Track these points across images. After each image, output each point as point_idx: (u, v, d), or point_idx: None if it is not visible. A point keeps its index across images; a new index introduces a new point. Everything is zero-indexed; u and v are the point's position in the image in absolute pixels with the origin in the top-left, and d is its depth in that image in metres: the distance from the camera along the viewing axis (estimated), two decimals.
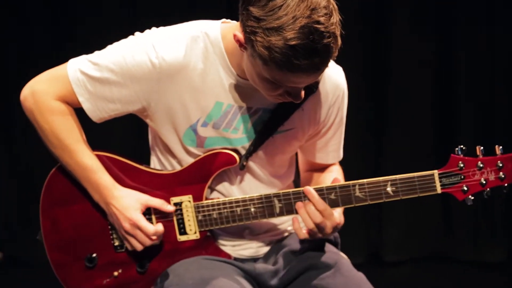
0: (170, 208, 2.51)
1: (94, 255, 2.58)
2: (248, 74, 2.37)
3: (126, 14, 4.77)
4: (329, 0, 2.21)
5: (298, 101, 2.36)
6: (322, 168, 2.71)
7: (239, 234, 2.62)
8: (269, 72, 2.25)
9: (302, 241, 2.59)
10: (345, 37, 2.25)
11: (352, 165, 2.91)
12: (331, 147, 2.65)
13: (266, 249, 2.66)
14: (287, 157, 2.64)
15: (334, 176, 2.58)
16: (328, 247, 2.61)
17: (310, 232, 2.42)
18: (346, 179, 2.57)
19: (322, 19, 2.17)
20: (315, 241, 2.59)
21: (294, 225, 2.43)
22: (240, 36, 2.28)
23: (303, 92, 2.34)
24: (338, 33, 2.21)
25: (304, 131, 2.57)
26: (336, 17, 2.21)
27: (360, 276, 2.52)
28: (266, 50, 2.19)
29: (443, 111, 4.87)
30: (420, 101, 4.86)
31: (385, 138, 4.91)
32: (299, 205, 2.42)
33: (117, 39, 2.51)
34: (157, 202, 2.51)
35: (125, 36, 2.51)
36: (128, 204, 2.48)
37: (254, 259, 2.64)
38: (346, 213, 2.51)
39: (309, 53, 2.17)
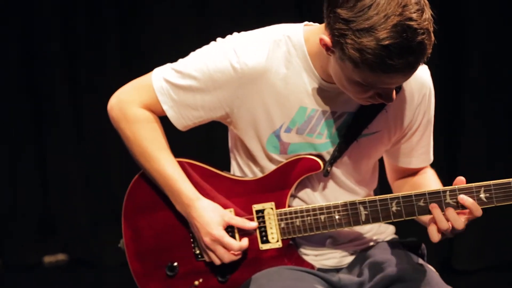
0: (252, 225, 2.45)
1: (175, 263, 2.54)
2: (335, 77, 2.30)
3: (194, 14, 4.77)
4: None
5: (390, 102, 2.28)
6: (413, 173, 2.61)
7: (322, 243, 2.54)
8: (360, 74, 2.18)
9: (388, 252, 2.50)
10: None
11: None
12: (420, 150, 2.55)
13: (349, 259, 2.57)
14: (372, 162, 2.55)
15: (431, 178, 2.52)
16: (415, 258, 2.51)
17: (443, 233, 2.31)
18: None
19: (414, 15, 2.09)
20: (401, 252, 2.51)
21: (430, 226, 2.31)
22: (327, 39, 2.21)
23: (394, 93, 2.26)
24: (431, 29, 2.13)
25: (390, 133, 2.48)
26: (428, 13, 2.13)
27: None
28: (358, 52, 2.12)
29: None
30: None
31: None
32: (433, 205, 2.31)
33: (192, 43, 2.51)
34: (238, 221, 2.46)
35: (198, 41, 2.51)
36: (210, 218, 2.44)
37: (337, 270, 2.56)
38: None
39: (404, 52, 2.10)
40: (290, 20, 2.49)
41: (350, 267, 2.56)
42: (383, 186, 2.68)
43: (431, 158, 2.59)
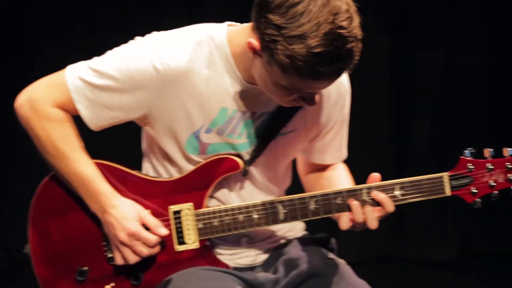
0: (163, 232, 2.40)
1: (86, 268, 2.44)
2: (259, 80, 2.30)
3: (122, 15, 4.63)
4: (349, 2, 2.15)
5: (313, 105, 2.30)
6: (324, 167, 2.65)
7: (237, 242, 2.53)
8: (287, 79, 2.18)
9: (301, 248, 2.54)
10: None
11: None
12: (334, 147, 2.59)
13: (264, 257, 2.57)
14: (288, 161, 2.57)
15: (342, 173, 2.56)
16: (326, 253, 2.56)
17: (354, 224, 2.35)
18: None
19: (345, 23, 2.11)
20: (313, 248, 2.54)
21: (343, 215, 2.34)
22: (256, 43, 2.20)
23: (318, 96, 2.28)
24: (360, 36, 2.16)
25: (307, 132, 2.50)
26: (357, 20, 2.16)
27: (363, 283, 2.46)
28: (288, 58, 2.12)
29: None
30: None
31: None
32: (352, 199, 2.35)
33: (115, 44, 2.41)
34: (152, 222, 2.40)
35: (122, 41, 2.41)
36: (127, 214, 2.37)
37: (252, 268, 2.56)
38: None
39: (333, 60, 2.12)
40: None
41: (264, 265, 2.56)
42: (293, 184, 2.69)
43: (344, 155, 2.64)
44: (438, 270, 4.98)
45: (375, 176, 2.37)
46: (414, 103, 5.06)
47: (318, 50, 2.09)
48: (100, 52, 2.42)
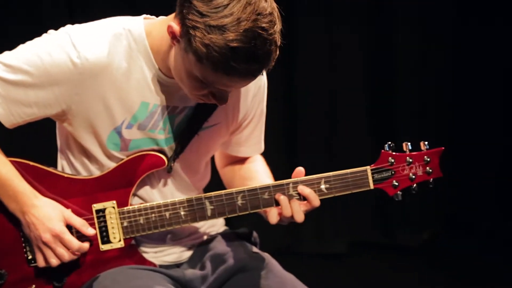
0: (90, 231, 2.34)
1: (3, 271, 2.34)
2: (174, 69, 2.26)
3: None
4: (274, 8, 2.16)
5: (223, 104, 2.29)
6: (243, 159, 2.66)
7: (162, 240, 2.50)
8: (201, 70, 2.16)
9: (225, 244, 2.54)
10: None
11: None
12: (253, 140, 2.61)
13: (189, 253, 2.56)
14: (210, 155, 2.57)
15: (261, 165, 2.59)
16: (251, 247, 2.58)
17: (283, 218, 2.38)
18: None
19: (266, 25, 2.11)
20: (238, 243, 2.56)
21: (272, 209, 2.37)
22: (176, 28, 2.16)
23: (228, 95, 2.28)
24: (279, 42, 2.16)
25: (228, 125, 2.51)
26: (279, 26, 2.16)
27: (291, 276, 2.50)
28: (204, 47, 2.10)
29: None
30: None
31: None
32: (279, 194, 2.37)
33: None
34: (78, 222, 2.33)
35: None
36: (50, 214, 2.29)
37: (178, 265, 2.54)
38: None
39: (249, 58, 2.11)
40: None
41: (190, 262, 2.55)
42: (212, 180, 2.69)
43: (262, 147, 2.67)
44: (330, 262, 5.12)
45: (300, 171, 2.40)
46: None
47: (235, 44, 2.08)
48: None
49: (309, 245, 5.19)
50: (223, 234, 2.63)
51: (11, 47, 2.31)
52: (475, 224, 5.32)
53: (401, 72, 5.10)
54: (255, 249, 2.58)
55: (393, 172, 2.42)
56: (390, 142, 2.44)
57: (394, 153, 2.43)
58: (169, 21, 2.22)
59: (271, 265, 2.49)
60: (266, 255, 2.54)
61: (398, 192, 2.43)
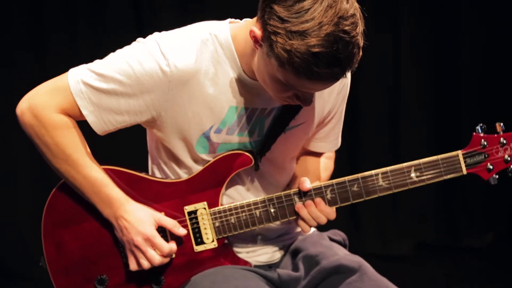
0: (182, 232, 2.37)
1: (105, 276, 2.41)
2: (257, 72, 2.26)
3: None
4: (356, 8, 2.11)
5: (307, 106, 2.27)
6: (315, 153, 2.64)
7: (253, 240, 2.51)
8: (283, 74, 2.15)
9: (318, 245, 2.53)
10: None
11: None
12: (333, 136, 2.59)
13: (280, 254, 2.57)
14: (296, 153, 2.56)
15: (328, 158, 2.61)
16: (342, 249, 2.56)
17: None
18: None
19: (348, 28, 2.07)
20: (330, 244, 2.54)
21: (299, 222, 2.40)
22: (258, 32, 2.16)
23: (313, 97, 2.26)
24: (361, 44, 2.12)
25: (314, 122, 2.49)
26: (361, 27, 2.11)
27: (385, 279, 2.44)
28: (286, 53, 2.08)
29: None
30: None
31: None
32: (299, 206, 2.38)
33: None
34: (169, 223, 2.37)
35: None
36: (142, 218, 2.33)
37: (269, 265, 2.55)
38: None
39: (331, 63, 2.08)
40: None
41: (282, 262, 2.55)
42: None
43: (339, 143, 2.64)
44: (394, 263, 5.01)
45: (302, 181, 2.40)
46: None
47: (316, 49, 2.05)
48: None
49: (372, 246, 5.07)
50: (314, 235, 2.61)
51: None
52: None
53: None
54: (346, 251, 2.55)
55: (486, 155, 2.33)
56: (481, 124, 2.35)
57: (486, 135, 2.34)
58: (252, 24, 2.22)
59: (365, 267, 2.44)
60: (358, 257, 2.50)
61: (494, 175, 2.33)
